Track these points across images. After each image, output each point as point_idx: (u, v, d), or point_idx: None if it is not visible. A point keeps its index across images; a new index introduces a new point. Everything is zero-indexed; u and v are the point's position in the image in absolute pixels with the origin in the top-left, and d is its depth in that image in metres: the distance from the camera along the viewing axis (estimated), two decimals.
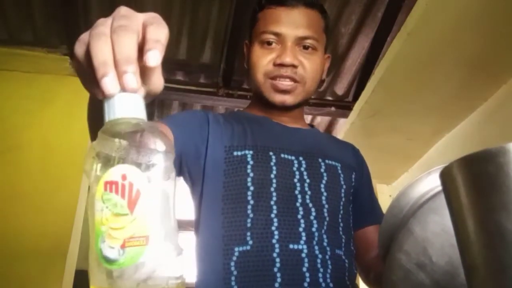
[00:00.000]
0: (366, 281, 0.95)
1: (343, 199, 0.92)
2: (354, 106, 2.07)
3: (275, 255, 0.79)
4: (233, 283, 0.79)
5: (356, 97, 2.28)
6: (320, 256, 0.82)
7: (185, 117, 0.91)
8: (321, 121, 2.95)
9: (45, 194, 2.13)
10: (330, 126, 2.98)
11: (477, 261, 0.34)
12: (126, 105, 0.41)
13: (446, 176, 0.38)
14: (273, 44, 0.93)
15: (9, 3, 2.18)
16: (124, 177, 0.38)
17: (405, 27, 1.51)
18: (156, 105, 2.83)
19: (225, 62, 2.44)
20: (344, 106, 2.67)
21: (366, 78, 2.32)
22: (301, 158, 0.90)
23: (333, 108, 2.68)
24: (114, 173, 0.39)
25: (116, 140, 0.40)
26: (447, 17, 1.40)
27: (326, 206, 0.87)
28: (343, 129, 2.23)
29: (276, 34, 0.92)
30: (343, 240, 0.89)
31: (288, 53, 0.91)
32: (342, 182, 0.93)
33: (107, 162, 0.39)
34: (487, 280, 0.33)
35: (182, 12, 2.27)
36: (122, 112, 0.41)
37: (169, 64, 2.54)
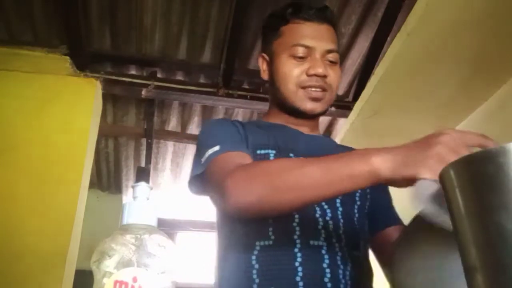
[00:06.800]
0: None
1: (358, 203, 0.95)
2: (354, 106, 2.07)
3: (296, 250, 0.82)
4: (254, 276, 0.82)
5: (356, 97, 2.27)
6: (340, 253, 0.84)
7: (230, 130, 0.94)
8: (321, 121, 2.93)
9: (45, 194, 2.13)
10: (330, 126, 2.98)
11: (477, 261, 0.34)
12: (141, 212, 0.48)
13: (446, 176, 0.38)
14: (304, 57, 0.99)
15: (9, 3, 2.18)
16: (134, 279, 0.43)
17: (405, 27, 1.51)
18: (156, 105, 2.83)
19: (225, 62, 2.44)
20: (344, 106, 2.67)
21: (366, 78, 2.32)
22: None
23: (333, 108, 2.68)
24: (126, 273, 0.43)
25: (131, 244, 0.45)
26: (447, 17, 1.40)
27: (340, 208, 0.90)
28: (343, 129, 2.23)
29: (307, 47, 0.98)
30: (361, 242, 0.92)
31: (320, 64, 0.97)
32: None
33: (119, 261, 0.43)
34: (487, 280, 0.33)
35: (182, 12, 2.26)
36: (137, 218, 0.47)
37: (169, 64, 2.54)
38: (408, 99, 1.81)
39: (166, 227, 3.81)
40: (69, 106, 2.33)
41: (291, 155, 0.92)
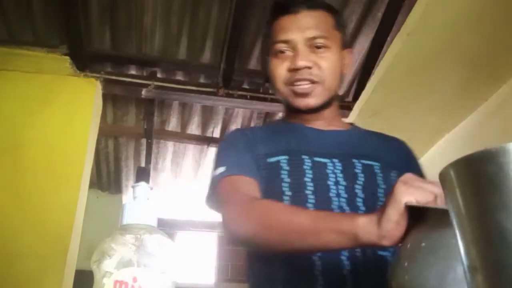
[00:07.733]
0: None
1: (383, 200, 0.92)
2: (354, 106, 2.07)
3: (315, 258, 0.81)
4: (279, 285, 0.82)
5: (356, 97, 2.27)
6: (361, 258, 0.81)
7: (238, 148, 0.93)
8: None
9: (45, 194, 2.13)
10: None
11: (477, 261, 0.34)
12: (141, 212, 0.48)
13: (445, 176, 0.38)
14: (286, 52, 0.94)
15: (9, 3, 2.18)
16: (134, 279, 0.43)
17: (405, 27, 1.51)
18: (156, 105, 2.83)
19: (225, 62, 2.44)
20: (344, 106, 2.66)
21: (366, 78, 2.32)
22: (335, 160, 0.90)
23: None
24: (126, 273, 0.43)
25: (131, 244, 0.45)
26: (447, 17, 1.40)
27: (363, 208, 0.87)
28: None
29: (286, 42, 0.94)
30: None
31: (299, 57, 0.92)
32: (381, 182, 0.91)
33: (119, 261, 0.44)
34: (487, 280, 0.33)
35: (182, 12, 2.27)
36: (137, 218, 0.48)
37: (169, 64, 2.54)
38: (408, 99, 1.81)
39: (166, 227, 3.81)
40: (69, 106, 2.33)
41: (304, 157, 0.89)
